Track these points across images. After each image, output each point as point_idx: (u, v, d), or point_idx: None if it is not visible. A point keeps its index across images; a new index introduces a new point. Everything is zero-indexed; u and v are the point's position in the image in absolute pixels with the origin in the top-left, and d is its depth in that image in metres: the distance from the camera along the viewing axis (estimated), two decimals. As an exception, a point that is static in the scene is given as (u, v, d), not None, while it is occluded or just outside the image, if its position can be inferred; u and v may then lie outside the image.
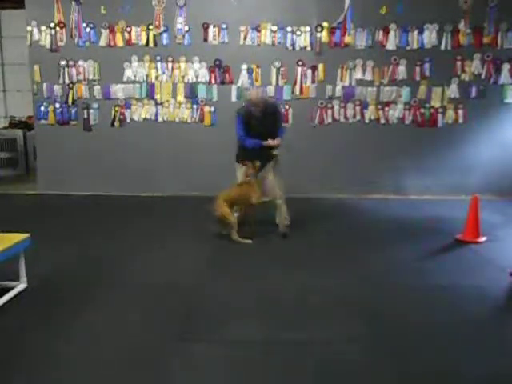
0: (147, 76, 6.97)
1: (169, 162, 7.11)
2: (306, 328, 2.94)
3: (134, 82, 6.99)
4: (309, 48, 6.79)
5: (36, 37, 7.00)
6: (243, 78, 6.88)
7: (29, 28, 6.98)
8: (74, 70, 7.02)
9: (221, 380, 2.42)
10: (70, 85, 7.04)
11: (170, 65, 6.92)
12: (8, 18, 9.99)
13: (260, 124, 5.00)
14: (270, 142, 4.87)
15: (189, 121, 7.05)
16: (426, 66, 6.73)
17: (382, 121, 6.90)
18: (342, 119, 6.93)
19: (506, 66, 6.67)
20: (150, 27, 6.84)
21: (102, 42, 6.93)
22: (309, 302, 3.32)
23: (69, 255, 4.27)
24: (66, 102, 7.10)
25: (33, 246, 3.58)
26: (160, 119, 7.06)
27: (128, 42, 6.92)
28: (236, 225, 4.62)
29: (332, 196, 6.85)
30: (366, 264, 4.11)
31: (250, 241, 4.61)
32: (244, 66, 6.86)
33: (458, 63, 6.71)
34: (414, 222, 5.54)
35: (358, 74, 6.81)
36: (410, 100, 6.83)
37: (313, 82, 6.87)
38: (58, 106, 7.10)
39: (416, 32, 6.67)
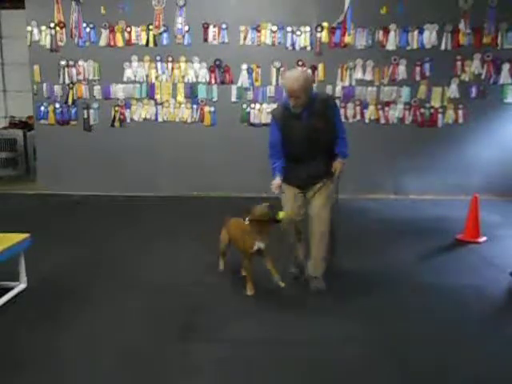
0: (147, 76, 6.97)
1: (169, 161, 7.11)
2: (306, 328, 2.94)
3: (134, 81, 6.99)
4: (309, 48, 6.79)
5: (36, 37, 7.00)
6: (243, 78, 6.88)
7: (29, 28, 6.98)
8: (74, 70, 7.02)
9: (221, 380, 2.42)
10: (70, 85, 7.04)
11: (169, 65, 6.92)
12: (8, 18, 9.97)
13: (302, 132, 3.25)
14: (274, 183, 3.34)
15: (189, 121, 7.05)
16: (426, 66, 6.73)
17: (382, 121, 6.90)
18: (342, 119, 6.91)
19: (506, 66, 6.67)
20: (150, 27, 6.84)
21: (102, 41, 6.93)
22: (308, 302, 3.32)
23: (69, 255, 4.27)
24: (66, 102, 7.10)
25: (33, 246, 3.58)
26: (160, 119, 7.06)
27: (128, 42, 6.92)
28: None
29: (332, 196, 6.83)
30: (365, 264, 4.11)
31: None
32: (244, 66, 6.85)
33: (458, 63, 6.70)
34: (413, 221, 5.54)
35: (358, 74, 6.81)
36: (410, 100, 6.83)
37: (313, 82, 6.87)
38: (57, 105, 7.11)
39: (416, 32, 6.67)
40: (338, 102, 6.84)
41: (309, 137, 3.27)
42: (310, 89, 3.25)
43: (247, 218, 3.32)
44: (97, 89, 7.05)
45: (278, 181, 3.38)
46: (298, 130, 3.28)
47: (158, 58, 6.91)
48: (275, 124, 3.41)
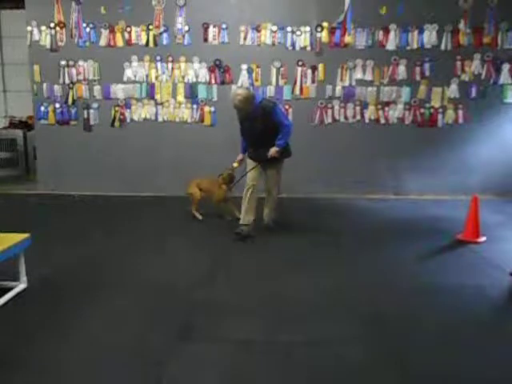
0: (147, 76, 6.97)
1: (169, 162, 7.11)
2: (306, 328, 2.94)
3: (134, 82, 7.00)
4: (309, 48, 6.79)
5: (36, 37, 7.00)
6: (243, 78, 6.88)
7: (29, 28, 6.99)
8: (73, 70, 7.02)
9: (221, 380, 2.42)
10: (70, 85, 7.05)
11: (170, 65, 6.92)
12: (8, 18, 9.97)
13: (250, 128, 4.73)
14: (237, 159, 5.04)
15: (189, 121, 7.05)
16: (426, 65, 6.73)
17: (382, 121, 6.90)
18: (342, 119, 6.93)
19: (506, 66, 6.66)
20: (150, 27, 6.84)
21: (102, 42, 6.93)
22: (309, 302, 3.32)
23: (69, 255, 4.27)
24: (66, 102, 7.10)
25: (33, 246, 3.58)
26: (160, 119, 7.06)
27: (128, 42, 6.92)
28: (197, 201, 5.50)
29: (332, 196, 6.85)
30: (366, 264, 4.11)
31: (200, 217, 5.51)
32: (244, 66, 6.86)
33: (458, 63, 6.70)
34: (414, 221, 5.54)
35: (358, 74, 6.81)
36: (410, 100, 6.84)
37: (313, 82, 6.87)
38: (57, 105, 7.11)
39: (416, 32, 6.68)
40: (338, 101, 6.88)
41: (254, 132, 4.69)
42: (247, 105, 4.51)
43: (223, 176, 5.34)
44: (97, 89, 7.05)
45: (240, 156, 5.05)
46: (248, 128, 4.75)
47: (158, 57, 6.91)
48: (239, 122, 4.86)
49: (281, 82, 6.87)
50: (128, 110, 7.08)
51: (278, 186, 5.02)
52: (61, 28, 6.96)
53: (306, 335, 2.85)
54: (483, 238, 4.72)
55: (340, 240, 4.82)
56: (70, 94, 7.06)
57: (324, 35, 6.76)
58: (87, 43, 6.97)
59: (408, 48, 6.73)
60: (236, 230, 4.73)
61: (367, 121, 6.91)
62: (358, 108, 6.89)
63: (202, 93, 6.98)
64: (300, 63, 6.81)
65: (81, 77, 7.03)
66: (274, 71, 6.86)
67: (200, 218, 5.49)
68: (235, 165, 5.09)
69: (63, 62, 7.00)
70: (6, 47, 10.25)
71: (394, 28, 6.68)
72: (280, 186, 5.07)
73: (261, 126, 4.58)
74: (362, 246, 4.63)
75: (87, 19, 6.91)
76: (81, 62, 7.00)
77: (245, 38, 6.80)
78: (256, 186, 4.81)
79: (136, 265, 4.06)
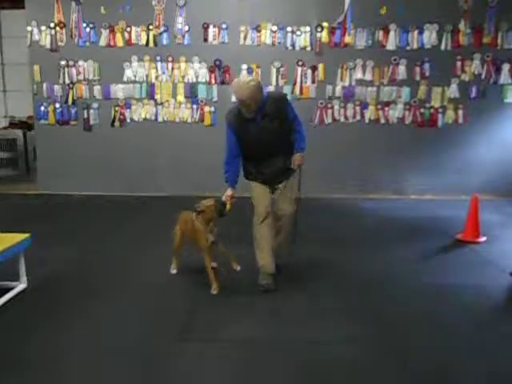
0: (147, 76, 6.97)
1: (169, 161, 7.11)
2: (306, 328, 2.94)
3: (134, 81, 6.99)
4: (309, 48, 6.79)
5: (36, 37, 7.00)
6: (243, 78, 6.87)
7: (29, 28, 6.98)
8: (73, 70, 7.02)
9: (221, 380, 2.42)
10: (70, 85, 7.04)
11: (170, 65, 6.92)
12: (8, 18, 9.99)
13: (261, 132, 3.31)
14: (227, 194, 3.43)
15: (189, 121, 7.05)
16: (426, 66, 6.73)
17: (382, 121, 6.90)
18: (342, 119, 6.93)
19: (506, 66, 6.66)
20: (150, 27, 6.84)
21: (102, 42, 6.93)
22: (308, 301, 3.32)
23: (69, 255, 4.27)
24: (66, 102, 7.10)
25: (33, 246, 3.58)
26: (160, 119, 7.06)
27: (128, 42, 6.92)
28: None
29: (332, 196, 6.85)
30: (365, 264, 4.10)
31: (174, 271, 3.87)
32: (244, 66, 6.85)
33: (458, 63, 6.70)
34: (414, 221, 5.54)
35: (358, 74, 6.81)
36: (410, 100, 6.83)
37: (313, 81, 6.87)
38: (58, 105, 7.10)
39: (416, 32, 6.67)
40: (338, 101, 6.87)
41: (264, 138, 3.32)
42: (259, 95, 3.24)
43: (196, 209, 3.50)
44: (97, 89, 7.05)
45: (229, 192, 3.47)
46: (253, 132, 3.33)
47: (158, 58, 6.90)
48: (230, 128, 3.46)
49: (281, 82, 6.87)
50: (128, 110, 7.07)
51: (297, 201, 3.55)
52: (61, 28, 6.95)
53: (305, 335, 2.85)
54: (483, 238, 4.72)
55: (339, 240, 4.82)
56: (70, 93, 7.06)
57: (324, 35, 6.75)
58: (87, 43, 6.97)
59: (408, 48, 6.72)
60: (260, 282, 3.53)
61: (367, 121, 6.91)
62: (358, 108, 6.88)
63: (201, 93, 6.98)
64: (300, 63, 6.81)
65: (81, 77, 7.03)
66: (273, 71, 6.86)
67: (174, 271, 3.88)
68: (228, 204, 3.45)
69: (63, 62, 7.00)
70: (6, 47, 10.27)
71: (394, 28, 6.68)
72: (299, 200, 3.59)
73: (276, 126, 3.31)
74: (361, 245, 4.63)
75: (87, 19, 6.90)
76: (81, 62, 7.00)
77: (245, 38, 6.80)
78: (269, 215, 3.51)
79: (136, 265, 4.07)
